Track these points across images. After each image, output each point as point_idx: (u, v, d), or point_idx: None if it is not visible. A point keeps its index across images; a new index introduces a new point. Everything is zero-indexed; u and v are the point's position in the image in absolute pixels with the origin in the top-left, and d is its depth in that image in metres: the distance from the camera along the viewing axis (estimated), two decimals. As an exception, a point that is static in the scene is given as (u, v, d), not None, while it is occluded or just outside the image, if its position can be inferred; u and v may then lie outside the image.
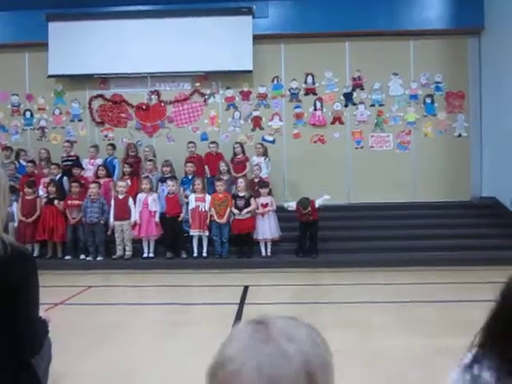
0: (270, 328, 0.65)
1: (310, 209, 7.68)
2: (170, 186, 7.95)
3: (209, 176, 8.70)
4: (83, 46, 9.11)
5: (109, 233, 7.92)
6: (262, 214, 7.82)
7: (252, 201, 7.86)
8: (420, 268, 7.13)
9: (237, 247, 7.86)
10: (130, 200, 7.92)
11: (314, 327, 0.70)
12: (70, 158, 8.84)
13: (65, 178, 8.51)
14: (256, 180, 8.36)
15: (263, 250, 7.83)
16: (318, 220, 7.74)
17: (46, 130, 9.70)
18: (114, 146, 9.12)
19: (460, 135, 9.36)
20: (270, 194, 8.09)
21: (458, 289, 6.07)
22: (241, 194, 7.91)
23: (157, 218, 7.88)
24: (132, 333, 4.64)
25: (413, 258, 7.50)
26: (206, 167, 8.78)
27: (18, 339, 1.50)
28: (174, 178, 8.22)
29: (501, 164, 8.61)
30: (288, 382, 0.60)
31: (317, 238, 7.75)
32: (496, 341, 0.93)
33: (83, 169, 8.72)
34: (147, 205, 7.88)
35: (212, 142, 8.98)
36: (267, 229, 7.78)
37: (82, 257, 7.89)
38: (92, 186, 7.95)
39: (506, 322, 0.93)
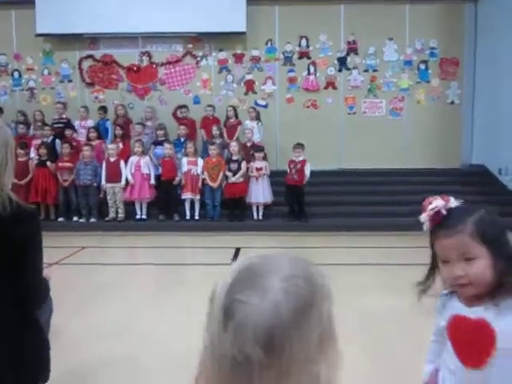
0: None
1: (300, 159, 7.71)
2: (168, 149, 7.92)
3: (205, 139, 8.64)
4: (72, 4, 8.83)
5: (101, 195, 7.96)
6: (257, 178, 7.88)
7: (243, 164, 7.88)
8: (407, 233, 7.25)
9: (229, 210, 7.95)
10: (122, 163, 7.91)
11: None
12: (61, 121, 8.74)
13: (57, 141, 8.43)
14: (249, 144, 8.37)
15: (255, 214, 7.93)
16: (304, 186, 7.77)
17: (35, 91, 9.54)
18: (105, 109, 9.01)
19: (453, 102, 9.37)
20: (265, 158, 8.11)
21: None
22: (234, 158, 7.94)
23: (152, 181, 7.91)
24: (126, 292, 4.76)
25: (401, 222, 7.62)
26: (203, 131, 8.72)
27: (21, 295, 1.54)
28: (168, 141, 8.19)
29: (491, 132, 8.68)
30: None
31: (303, 203, 7.81)
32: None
33: (75, 131, 8.65)
34: (140, 167, 7.89)
35: (209, 106, 8.88)
36: (260, 193, 7.85)
37: (75, 219, 7.95)
38: (85, 148, 7.91)
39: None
